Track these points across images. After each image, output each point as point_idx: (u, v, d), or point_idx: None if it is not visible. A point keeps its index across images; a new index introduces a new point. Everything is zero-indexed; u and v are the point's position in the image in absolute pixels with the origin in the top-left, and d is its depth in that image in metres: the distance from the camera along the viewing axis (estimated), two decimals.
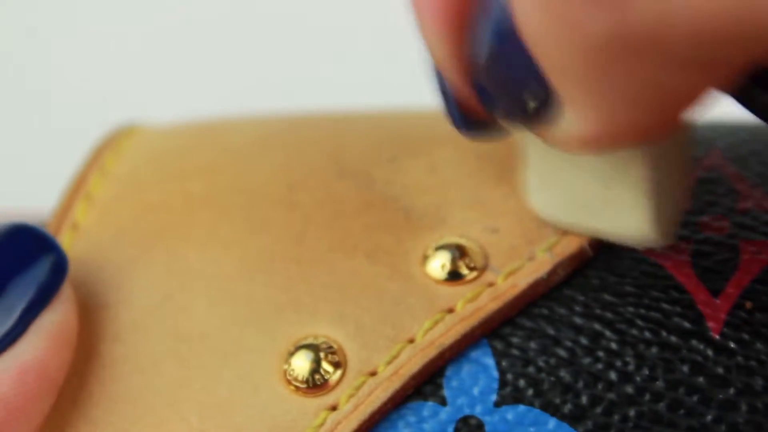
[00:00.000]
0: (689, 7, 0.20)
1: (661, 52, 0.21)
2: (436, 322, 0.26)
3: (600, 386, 0.26)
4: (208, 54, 0.55)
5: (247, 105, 0.37)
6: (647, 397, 0.25)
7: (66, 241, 0.29)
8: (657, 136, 0.23)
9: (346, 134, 0.30)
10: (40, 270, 0.26)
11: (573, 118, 0.23)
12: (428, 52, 0.25)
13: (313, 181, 0.29)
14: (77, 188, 0.30)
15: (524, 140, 0.27)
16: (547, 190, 0.27)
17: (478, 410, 0.26)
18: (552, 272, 0.27)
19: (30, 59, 0.57)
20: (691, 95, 0.22)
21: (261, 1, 0.56)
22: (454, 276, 0.27)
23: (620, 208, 0.26)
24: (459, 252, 0.27)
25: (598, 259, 0.27)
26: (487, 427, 0.26)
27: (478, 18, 0.23)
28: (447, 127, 0.29)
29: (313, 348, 0.26)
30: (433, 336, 0.26)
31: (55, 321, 0.26)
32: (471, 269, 0.27)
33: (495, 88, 0.24)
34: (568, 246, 0.27)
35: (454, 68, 0.24)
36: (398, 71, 0.44)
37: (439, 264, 0.27)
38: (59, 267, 0.26)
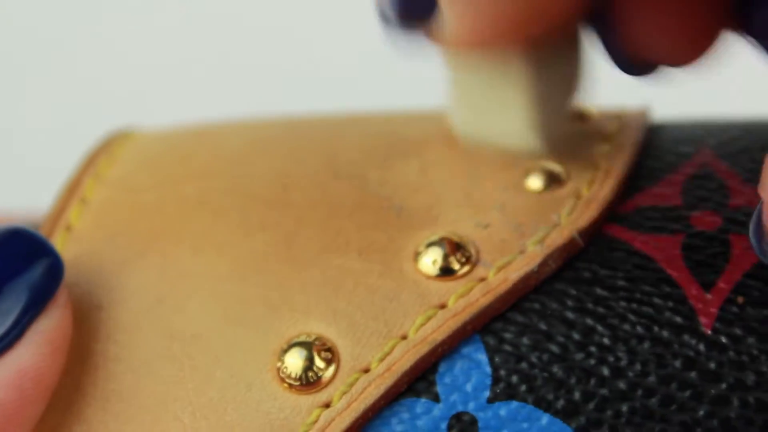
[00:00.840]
0: None
1: None
2: (429, 318, 0.26)
3: (593, 382, 0.26)
4: (204, 58, 0.56)
5: (242, 108, 0.37)
6: (640, 392, 0.26)
7: (59, 243, 0.28)
8: (532, 33, 0.26)
9: (340, 137, 0.30)
10: (36, 274, 0.26)
11: (450, 16, 0.26)
12: None
13: (307, 182, 0.29)
14: (71, 192, 0.30)
15: (446, 65, 0.29)
16: (462, 111, 0.29)
17: (471, 406, 0.26)
18: (543, 264, 0.27)
19: (30, 60, 0.57)
20: None
21: (257, 5, 0.56)
22: (445, 271, 0.27)
23: (506, 113, 0.28)
24: (450, 247, 0.27)
25: (590, 252, 0.27)
26: (480, 424, 0.26)
27: None
28: (438, 128, 0.29)
29: (306, 345, 0.26)
30: (426, 332, 0.26)
31: (51, 326, 0.26)
32: (462, 264, 0.27)
33: None
34: (559, 237, 0.27)
35: None
36: (394, 74, 0.44)
37: (430, 260, 0.27)
38: (55, 271, 0.26)
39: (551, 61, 0.28)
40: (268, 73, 0.54)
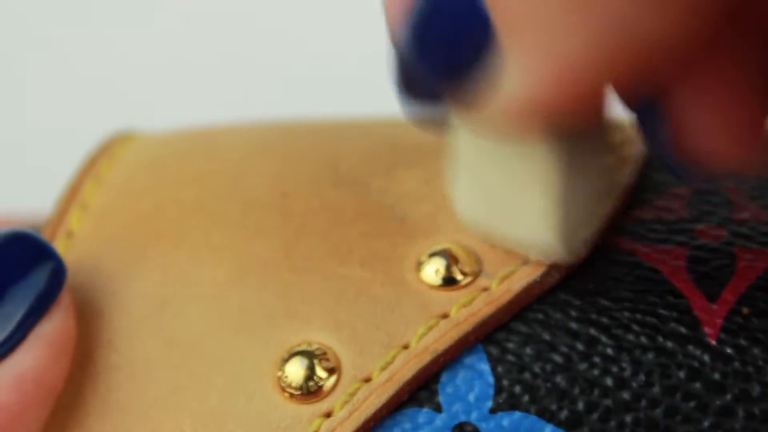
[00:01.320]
0: None
1: None
2: (431, 328, 0.26)
3: (596, 392, 0.25)
4: (205, 61, 0.56)
5: (244, 109, 0.37)
6: (644, 403, 0.25)
7: (60, 248, 0.28)
8: (597, 107, 0.23)
9: (341, 143, 0.30)
10: (39, 278, 0.26)
11: (515, 76, 0.22)
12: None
13: (307, 189, 0.29)
14: (72, 196, 0.30)
15: (455, 139, 0.27)
16: (470, 194, 0.27)
17: (473, 417, 0.26)
18: (546, 274, 0.26)
19: (29, 63, 0.57)
20: (660, 44, 0.21)
21: (258, 8, 0.56)
22: (448, 282, 0.27)
23: (529, 215, 0.26)
24: (453, 258, 0.27)
25: (594, 263, 0.27)
26: None
27: None
28: (441, 138, 0.29)
29: (307, 354, 0.26)
30: (428, 342, 0.26)
31: (54, 329, 0.26)
32: (465, 275, 0.27)
33: (429, 38, 0.22)
34: None
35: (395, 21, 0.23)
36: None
37: (433, 270, 0.27)
38: (58, 275, 0.26)
39: (584, 154, 0.26)
40: (270, 75, 0.54)
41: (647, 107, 0.24)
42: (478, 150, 0.26)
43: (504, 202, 0.26)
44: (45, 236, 0.29)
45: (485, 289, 0.27)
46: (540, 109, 0.22)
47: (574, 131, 0.25)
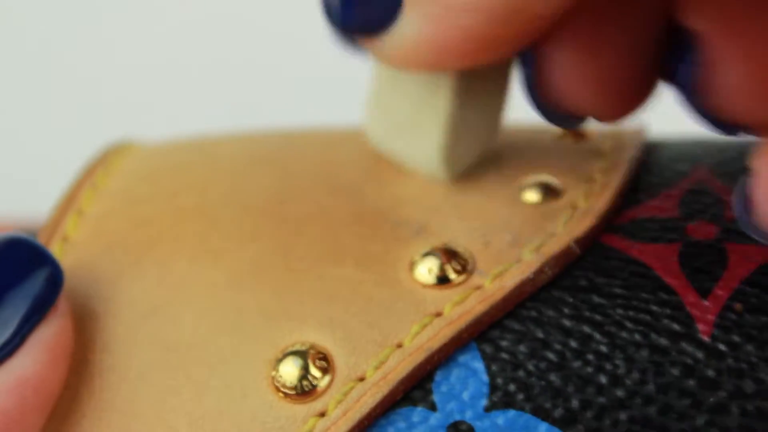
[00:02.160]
0: None
1: None
2: (424, 326, 0.26)
3: (590, 390, 0.25)
4: (202, 66, 0.56)
5: (241, 118, 0.37)
6: (638, 400, 0.25)
7: (56, 253, 0.28)
8: (485, 57, 0.25)
9: (337, 153, 0.30)
10: (36, 282, 0.26)
11: (412, 21, 0.25)
12: None
13: (303, 196, 0.29)
14: (68, 203, 0.30)
15: (372, 66, 0.29)
16: (377, 116, 0.29)
17: (468, 415, 0.26)
18: (539, 272, 0.26)
19: (29, 66, 0.57)
20: (531, 10, 0.24)
21: (257, 17, 0.56)
22: (441, 280, 0.27)
23: (421, 134, 0.28)
24: (446, 257, 0.27)
25: (586, 260, 0.27)
26: None
27: None
28: None
29: (301, 354, 0.26)
30: (421, 340, 0.26)
31: (52, 334, 0.26)
32: (458, 273, 0.27)
33: None
34: (555, 246, 0.27)
35: None
36: None
37: (426, 269, 0.27)
38: (55, 280, 0.26)
39: (478, 89, 0.28)
40: (268, 81, 0.54)
41: (524, 52, 0.26)
42: (386, 74, 0.29)
43: (402, 122, 0.28)
44: (40, 241, 0.29)
45: (478, 288, 0.27)
46: (431, 51, 0.25)
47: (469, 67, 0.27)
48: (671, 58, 0.26)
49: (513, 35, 0.25)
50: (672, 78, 0.26)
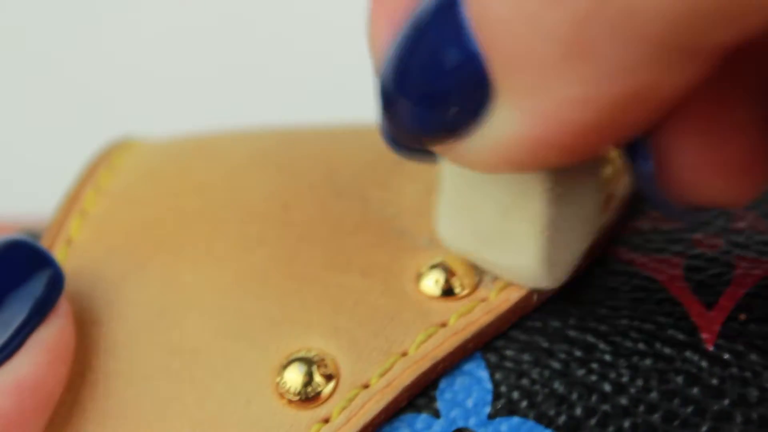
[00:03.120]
0: None
1: (636, 27, 0.20)
2: (429, 336, 0.26)
3: (594, 398, 0.25)
4: (203, 65, 0.56)
5: (242, 116, 0.37)
6: (642, 408, 0.25)
7: (60, 255, 0.29)
8: (594, 150, 0.22)
9: (340, 152, 0.30)
10: (37, 285, 0.26)
11: (507, 117, 0.21)
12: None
13: (307, 199, 0.29)
14: (71, 204, 0.30)
15: (440, 165, 0.26)
16: (454, 220, 0.26)
17: (472, 422, 0.26)
18: None
19: (30, 66, 0.57)
20: (655, 96, 0.21)
21: (258, 14, 0.56)
22: (447, 293, 0.27)
23: (514, 243, 0.25)
24: (452, 271, 0.27)
25: (592, 273, 0.27)
26: None
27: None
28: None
29: (306, 361, 0.26)
30: (426, 349, 0.26)
31: (52, 335, 0.26)
32: (464, 287, 0.27)
33: (411, 91, 0.22)
34: None
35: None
36: None
37: (432, 281, 0.27)
38: (55, 282, 0.26)
39: (573, 183, 0.25)
40: (269, 80, 0.54)
41: (634, 143, 0.23)
42: (463, 176, 0.26)
43: (488, 229, 0.26)
44: (44, 243, 0.29)
45: (484, 300, 0.27)
46: (532, 149, 0.21)
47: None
48: None
49: (630, 123, 0.21)
50: None
